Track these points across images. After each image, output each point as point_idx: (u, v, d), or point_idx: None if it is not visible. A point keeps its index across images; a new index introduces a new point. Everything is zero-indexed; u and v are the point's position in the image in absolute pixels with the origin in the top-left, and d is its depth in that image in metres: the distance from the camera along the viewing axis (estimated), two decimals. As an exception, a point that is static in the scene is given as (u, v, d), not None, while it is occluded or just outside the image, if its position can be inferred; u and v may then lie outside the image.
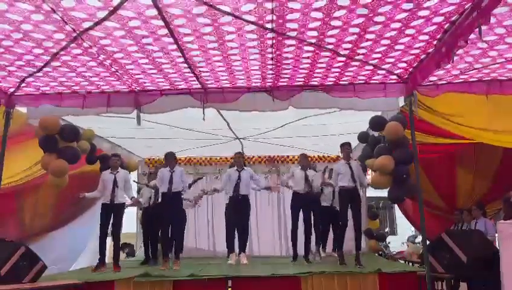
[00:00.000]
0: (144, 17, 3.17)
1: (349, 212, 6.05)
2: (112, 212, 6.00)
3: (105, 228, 6.08)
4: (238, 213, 6.52)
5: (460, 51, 3.64)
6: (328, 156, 9.25)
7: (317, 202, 6.89)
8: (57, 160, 5.14)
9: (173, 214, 6.20)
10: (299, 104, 4.90)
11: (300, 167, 6.77)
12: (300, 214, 6.64)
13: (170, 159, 6.34)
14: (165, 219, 6.25)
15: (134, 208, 8.27)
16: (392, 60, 4.10)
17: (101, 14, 3.11)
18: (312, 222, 6.69)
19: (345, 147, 6.21)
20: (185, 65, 4.15)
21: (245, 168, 6.75)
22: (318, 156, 9.26)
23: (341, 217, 6.07)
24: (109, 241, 6.18)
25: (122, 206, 6.15)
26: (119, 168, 6.26)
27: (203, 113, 4.86)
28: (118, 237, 6.11)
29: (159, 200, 6.49)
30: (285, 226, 9.01)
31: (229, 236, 6.66)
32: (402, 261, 7.79)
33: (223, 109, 5.25)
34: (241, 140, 7.82)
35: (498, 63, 4.08)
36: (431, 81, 4.59)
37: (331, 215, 6.94)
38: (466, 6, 3.06)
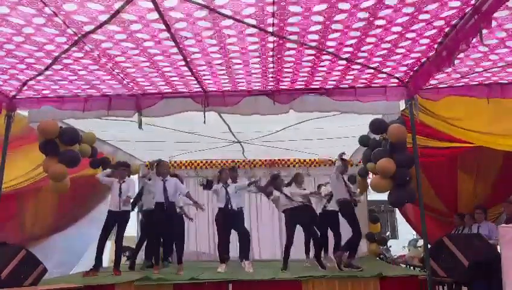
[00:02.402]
0: (145, 21, 3.18)
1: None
2: (118, 219, 6.07)
3: (108, 235, 6.12)
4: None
5: (461, 55, 3.64)
6: (329, 160, 9.23)
7: (311, 212, 6.69)
8: (55, 164, 5.13)
9: (166, 225, 6.11)
10: (300, 107, 4.90)
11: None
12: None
13: (161, 169, 6.19)
14: (156, 229, 6.25)
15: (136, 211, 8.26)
16: (392, 63, 4.11)
17: (103, 18, 3.12)
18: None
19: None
20: (186, 68, 4.16)
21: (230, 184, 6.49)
22: (319, 159, 9.25)
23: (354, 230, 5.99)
24: (109, 244, 6.19)
25: (127, 213, 6.22)
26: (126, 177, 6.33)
27: (204, 116, 4.86)
28: (120, 243, 6.14)
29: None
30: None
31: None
32: (403, 265, 7.76)
33: (224, 113, 5.26)
34: (241, 143, 7.82)
35: (499, 67, 4.09)
36: (432, 85, 4.59)
37: (329, 220, 6.84)
38: (466, 10, 3.07)
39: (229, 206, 6.27)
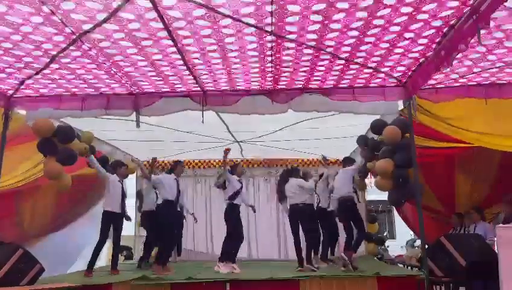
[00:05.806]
0: (143, 20, 3.17)
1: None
2: (116, 221, 6.02)
3: (107, 236, 6.07)
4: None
5: (459, 55, 3.64)
6: (327, 160, 9.23)
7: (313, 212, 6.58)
8: (49, 163, 5.11)
9: (175, 221, 6.25)
10: (298, 107, 4.90)
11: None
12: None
13: (179, 168, 6.31)
14: (167, 225, 6.20)
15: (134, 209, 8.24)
16: (391, 63, 4.11)
17: (101, 17, 3.11)
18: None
19: (347, 163, 6.35)
20: (184, 68, 4.15)
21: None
22: (317, 159, 9.24)
23: (347, 229, 5.96)
24: (107, 243, 6.17)
25: (125, 215, 6.22)
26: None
27: (202, 116, 4.86)
28: (118, 244, 6.13)
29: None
30: (284, 231, 8.97)
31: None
32: (401, 265, 7.76)
33: (222, 112, 5.25)
34: (240, 143, 7.81)
35: (497, 67, 4.10)
36: (430, 85, 4.60)
37: (324, 218, 6.83)
38: (465, 11, 3.07)
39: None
